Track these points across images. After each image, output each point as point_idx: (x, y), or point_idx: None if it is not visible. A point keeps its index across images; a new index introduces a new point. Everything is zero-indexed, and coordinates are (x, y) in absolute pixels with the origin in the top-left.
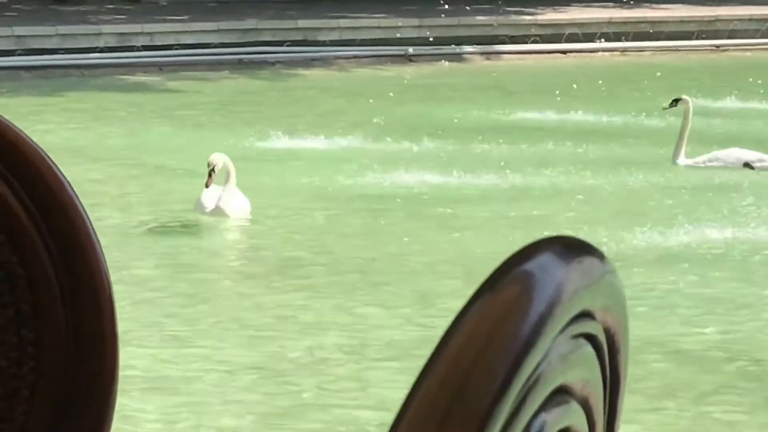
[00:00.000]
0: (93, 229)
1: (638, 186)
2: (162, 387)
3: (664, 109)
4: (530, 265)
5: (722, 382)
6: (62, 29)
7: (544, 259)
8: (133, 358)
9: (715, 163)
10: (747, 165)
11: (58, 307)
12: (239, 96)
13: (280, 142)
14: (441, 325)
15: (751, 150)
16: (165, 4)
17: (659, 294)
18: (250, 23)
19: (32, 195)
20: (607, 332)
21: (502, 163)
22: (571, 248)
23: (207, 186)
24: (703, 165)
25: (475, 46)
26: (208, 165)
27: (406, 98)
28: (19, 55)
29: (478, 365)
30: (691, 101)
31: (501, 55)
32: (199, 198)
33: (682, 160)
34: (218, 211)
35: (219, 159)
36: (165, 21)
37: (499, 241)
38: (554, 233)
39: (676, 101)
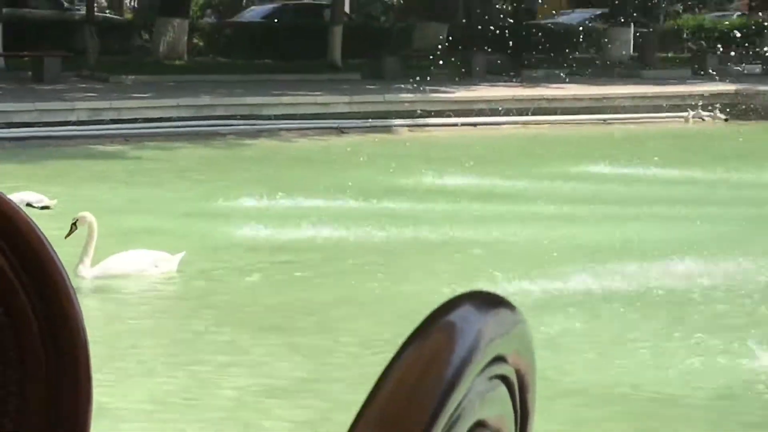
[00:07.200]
0: (70, 283)
1: None
2: None
3: (66, 237)
4: (453, 317)
5: None
6: (40, 105)
7: (465, 312)
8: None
9: None
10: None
11: (40, 351)
12: (195, 163)
13: (229, 200)
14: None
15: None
16: (130, 83)
17: None
18: (205, 100)
19: (17, 255)
20: (518, 373)
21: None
22: (488, 301)
23: (65, 238)
24: None
25: (400, 119)
26: (73, 220)
27: (339, 165)
28: (2, 128)
29: (410, 404)
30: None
31: (423, 128)
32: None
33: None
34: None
35: (86, 217)
36: (131, 98)
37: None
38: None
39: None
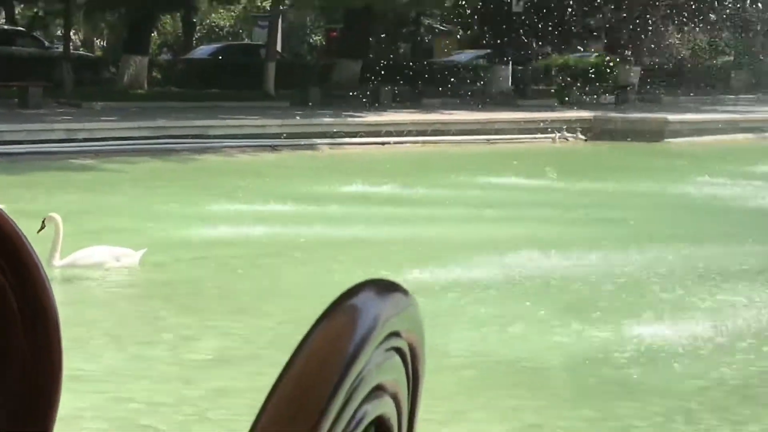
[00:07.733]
0: (46, 274)
1: None
2: None
3: (38, 232)
4: (356, 300)
5: None
6: (26, 126)
7: (366, 296)
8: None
9: None
10: None
11: (18, 329)
12: (153, 174)
13: (181, 206)
14: None
15: None
16: (100, 108)
17: None
18: (161, 122)
19: None
20: (410, 346)
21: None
22: (385, 287)
23: (37, 233)
24: None
25: (322, 139)
26: (43, 219)
27: (272, 176)
28: None
29: (319, 373)
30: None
31: (341, 146)
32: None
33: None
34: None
35: (54, 217)
36: (100, 121)
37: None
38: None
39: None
